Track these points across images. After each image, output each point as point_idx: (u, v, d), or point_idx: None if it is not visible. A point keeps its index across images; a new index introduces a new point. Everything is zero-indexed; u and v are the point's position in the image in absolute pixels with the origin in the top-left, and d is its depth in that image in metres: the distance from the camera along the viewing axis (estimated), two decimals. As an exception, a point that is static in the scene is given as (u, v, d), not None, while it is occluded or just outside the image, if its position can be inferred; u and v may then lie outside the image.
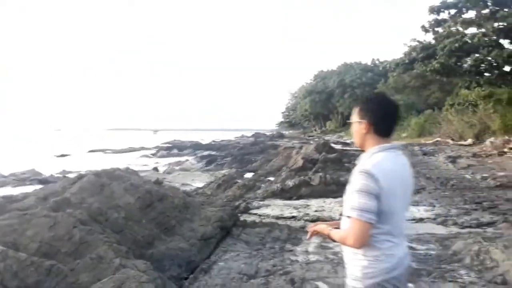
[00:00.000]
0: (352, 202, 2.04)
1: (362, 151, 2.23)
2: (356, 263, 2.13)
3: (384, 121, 2.19)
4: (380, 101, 2.23)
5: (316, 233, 2.35)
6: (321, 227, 2.29)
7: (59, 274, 3.83)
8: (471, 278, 4.41)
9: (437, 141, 24.86)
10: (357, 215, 2.02)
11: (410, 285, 4.21)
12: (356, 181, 2.06)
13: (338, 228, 2.23)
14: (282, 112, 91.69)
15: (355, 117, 2.23)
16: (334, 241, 2.27)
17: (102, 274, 3.77)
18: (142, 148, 36.78)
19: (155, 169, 18.86)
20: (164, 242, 4.77)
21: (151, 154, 31.04)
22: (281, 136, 56.35)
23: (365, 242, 2.05)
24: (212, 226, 5.46)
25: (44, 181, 14.84)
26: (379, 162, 2.07)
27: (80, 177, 5.31)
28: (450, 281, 4.29)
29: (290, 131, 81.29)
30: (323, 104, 64.26)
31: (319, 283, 4.30)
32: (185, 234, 5.03)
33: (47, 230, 4.17)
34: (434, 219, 7.49)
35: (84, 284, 3.69)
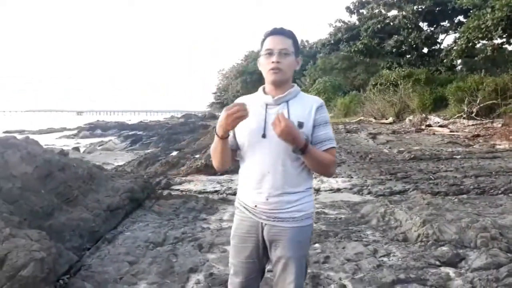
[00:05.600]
0: (330, 132, 2.02)
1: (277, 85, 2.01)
2: (308, 199, 2.03)
3: None
4: None
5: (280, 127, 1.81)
6: (297, 132, 1.84)
7: None
8: (375, 237, 4.54)
9: (360, 120, 25.78)
10: (335, 144, 2.04)
11: (317, 245, 4.26)
12: (326, 113, 2.05)
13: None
14: (213, 93, 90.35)
15: (289, 48, 2.01)
16: (299, 152, 1.88)
17: (-12, 245, 3.43)
18: (64, 129, 34.82)
19: (76, 149, 17.95)
20: (65, 213, 4.46)
21: (73, 135, 29.53)
22: (213, 117, 55.91)
23: None
24: (120, 197, 5.20)
25: None
26: None
27: (-32, 145, 4.82)
28: (355, 240, 4.38)
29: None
30: (254, 85, 63.96)
31: (228, 247, 4.21)
32: (89, 205, 4.74)
33: None
34: (351, 189, 7.71)
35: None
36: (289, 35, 2.03)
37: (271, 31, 2.04)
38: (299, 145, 1.86)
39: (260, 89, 2.11)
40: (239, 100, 2.16)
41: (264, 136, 1.96)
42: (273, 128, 1.84)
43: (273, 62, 1.98)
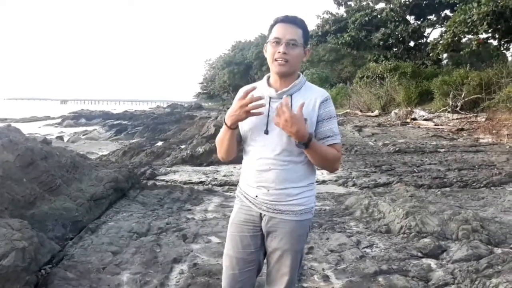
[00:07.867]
0: (335, 128, 1.96)
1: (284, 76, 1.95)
2: (309, 194, 2.00)
3: None
4: None
5: (282, 121, 1.78)
6: (302, 124, 1.78)
7: None
8: (358, 229, 4.59)
9: (347, 112, 25.84)
10: (340, 140, 2.00)
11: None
12: (331, 107, 1.98)
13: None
14: (200, 83, 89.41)
15: (298, 39, 1.92)
16: (302, 146, 1.84)
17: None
18: (47, 118, 34.33)
19: (60, 137, 17.73)
20: (48, 202, 4.41)
21: (57, 124, 29.12)
22: (200, 107, 55.54)
23: None
24: (104, 186, 5.16)
25: None
26: None
27: None
28: (338, 232, 4.42)
29: (210, 103, 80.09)
30: (241, 75, 63.93)
31: (212, 237, 4.24)
32: (72, 194, 4.69)
33: None
34: (336, 180, 7.76)
35: None
36: (300, 24, 1.96)
37: (282, 18, 1.95)
38: (302, 138, 1.81)
39: (265, 78, 2.05)
40: (243, 89, 2.08)
41: (266, 132, 1.93)
42: (277, 118, 1.80)
43: (279, 52, 1.91)
